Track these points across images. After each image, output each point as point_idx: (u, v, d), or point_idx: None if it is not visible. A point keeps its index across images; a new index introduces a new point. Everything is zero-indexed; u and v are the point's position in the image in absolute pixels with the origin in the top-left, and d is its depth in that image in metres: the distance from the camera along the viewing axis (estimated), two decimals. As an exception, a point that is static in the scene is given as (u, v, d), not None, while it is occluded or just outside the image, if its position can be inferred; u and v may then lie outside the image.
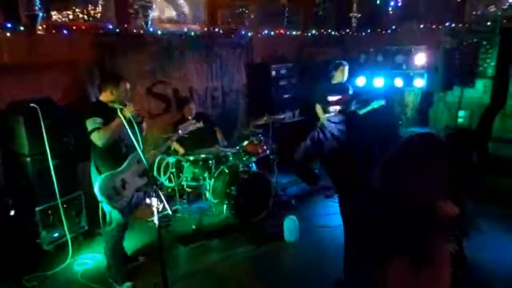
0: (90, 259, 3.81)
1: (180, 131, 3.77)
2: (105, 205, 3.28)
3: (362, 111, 5.05)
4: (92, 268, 3.67)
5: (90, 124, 3.10)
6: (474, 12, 5.76)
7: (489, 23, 5.63)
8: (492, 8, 5.69)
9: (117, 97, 3.22)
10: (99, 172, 3.17)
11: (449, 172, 1.49)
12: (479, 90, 5.86)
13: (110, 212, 3.28)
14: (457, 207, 1.51)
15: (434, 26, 6.20)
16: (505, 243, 3.86)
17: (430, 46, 5.98)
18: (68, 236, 3.81)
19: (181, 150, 4.87)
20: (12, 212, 3.63)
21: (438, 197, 1.49)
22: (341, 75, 5.05)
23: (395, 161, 1.58)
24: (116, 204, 3.18)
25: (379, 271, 1.51)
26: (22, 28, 3.90)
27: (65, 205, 3.85)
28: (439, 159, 1.51)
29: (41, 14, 3.90)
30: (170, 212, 4.64)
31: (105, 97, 3.25)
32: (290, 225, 4.08)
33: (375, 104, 5.04)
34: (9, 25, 3.82)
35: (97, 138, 3.08)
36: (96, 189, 3.15)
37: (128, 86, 3.33)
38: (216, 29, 5.80)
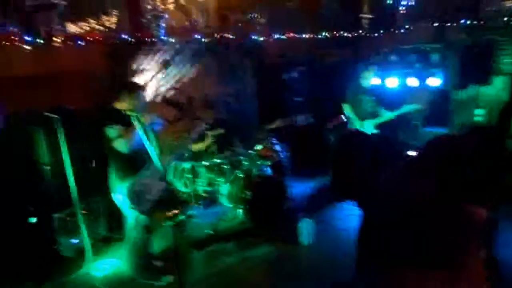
0: (108, 264, 3.85)
1: (193, 135, 3.82)
2: (129, 210, 3.33)
3: (394, 114, 4.93)
4: (110, 274, 3.71)
5: (111, 132, 3.15)
6: (488, 8, 5.66)
7: (505, 19, 5.51)
8: (508, 3, 5.58)
9: (133, 105, 3.26)
10: (123, 179, 3.21)
11: (477, 172, 1.44)
12: (497, 87, 5.72)
13: (135, 217, 3.32)
14: (489, 211, 1.44)
15: (448, 24, 6.11)
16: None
17: (445, 44, 5.89)
18: (87, 242, 3.87)
19: (202, 145, 4.81)
20: (34, 220, 3.72)
21: (468, 199, 1.43)
22: (371, 75, 5.00)
23: (421, 163, 1.54)
24: (143, 208, 3.24)
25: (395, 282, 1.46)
26: (40, 41, 4.02)
27: (83, 211, 3.92)
28: (462, 161, 1.46)
29: (58, 29, 4.02)
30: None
31: (121, 104, 3.30)
32: (305, 227, 4.06)
33: (409, 108, 4.94)
34: (27, 38, 3.95)
35: (121, 145, 3.13)
36: (123, 196, 3.21)
37: (144, 95, 3.39)
38: (228, 35, 5.86)
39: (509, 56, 5.59)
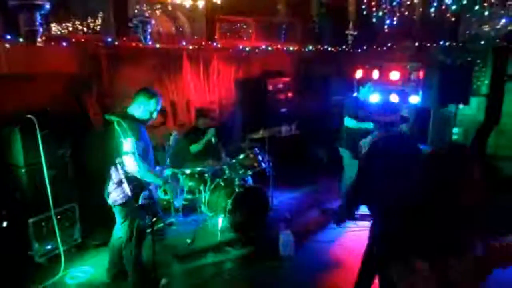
0: (83, 272, 3.75)
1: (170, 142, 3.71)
2: (127, 221, 3.21)
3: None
4: (85, 282, 3.62)
5: (129, 144, 2.92)
6: (468, 32, 5.88)
7: (482, 42, 5.74)
8: (485, 28, 5.81)
9: (143, 113, 3.13)
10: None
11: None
12: (473, 108, 5.94)
13: (133, 226, 3.21)
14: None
15: (428, 44, 6.31)
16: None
17: (425, 64, 6.07)
18: (61, 249, 3.76)
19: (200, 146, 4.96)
20: (4, 224, 3.60)
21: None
22: (368, 91, 5.15)
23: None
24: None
25: None
26: (21, 40, 3.92)
27: (58, 217, 3.82)
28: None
29: (41, 30, 3.92)
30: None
31: (132, 109, 3.16)
32: (285, 239, 4.06)
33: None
34: (8, 36, 3.85)
35: (131, 163, 2.94)
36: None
37: (159, 106, 3.20)
38: (214, 43, 5.87)
39: (485, 78, 5.83)
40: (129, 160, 2.94)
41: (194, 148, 4.95)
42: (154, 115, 3.22)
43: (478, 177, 1.62)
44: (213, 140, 5.01)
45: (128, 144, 2.92)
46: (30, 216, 3.67)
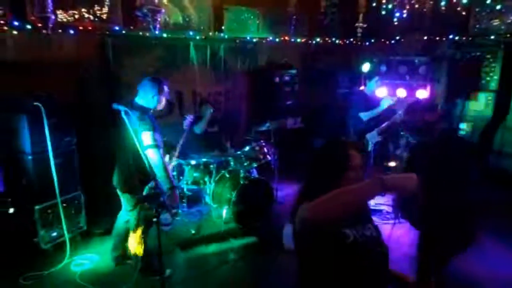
0: (87, 259, 3.78)
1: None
2: (135, 210, 3.19)
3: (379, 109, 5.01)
4: (90, 269, 3.65)
5: (148, 138, 2.91)
6: (478, 26, 5.78)
7: (493, 37, 5.66)
8: (496, 22, 5.71)
9: (149, 101, 3.09)
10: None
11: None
12: (481, 103, 5.88)
13: (141, 215, 3.20)
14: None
15: (438, 38, 6.22)
16: (504, 257, 3.85)
17: (434, 58, 6.00)
18: (66, 236, 3.79)
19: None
20: (11, 210, 3.62)
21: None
22: (374, 85, 5.12)
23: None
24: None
25: None
26: (29, 26, 3.90)
27: (64, 204, 3.83)
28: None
29: (53, 17, 3.89)
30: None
31: (139, 99, 3.12)
32: (289, 232, 4.05)
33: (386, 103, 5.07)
34: (16, 23, 3.83)
35: (156, 156, 2.91)
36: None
37: (165, 92, 3.18)
38: (221, 34, 5.83)
39: (495, 74, 5.75)
40: (151, 153, 2.92)
41: (198, 129, 4.85)
42: (162, 102, 3.19)
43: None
44: (211, 111, 4.89)
45: (147, 137, 2.91)
46: (36, 203, 3.69)
